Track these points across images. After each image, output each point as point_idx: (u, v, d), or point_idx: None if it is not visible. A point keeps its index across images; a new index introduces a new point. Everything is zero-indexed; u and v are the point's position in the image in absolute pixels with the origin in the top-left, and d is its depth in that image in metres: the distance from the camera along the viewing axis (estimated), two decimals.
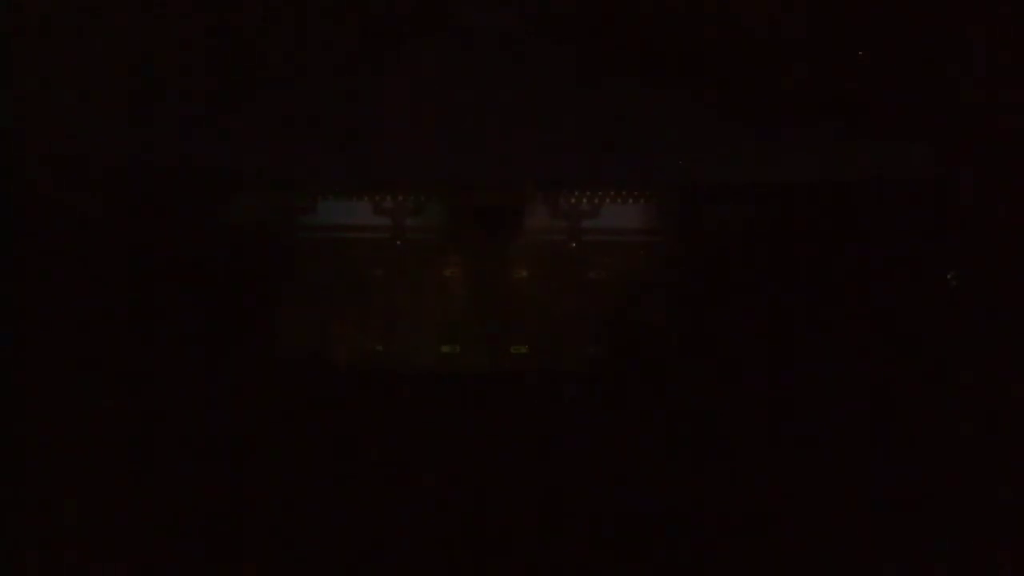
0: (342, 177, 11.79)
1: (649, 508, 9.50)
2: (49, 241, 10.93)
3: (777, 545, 8.99)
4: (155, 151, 11.05)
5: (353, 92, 11.95)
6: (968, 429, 10.12)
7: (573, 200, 12.28)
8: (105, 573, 8.69)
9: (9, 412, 9.97)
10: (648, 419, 10.55)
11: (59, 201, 10.94)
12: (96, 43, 11.40)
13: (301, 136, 11.40)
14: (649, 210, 12.26)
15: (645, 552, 9.01)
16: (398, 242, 12.64)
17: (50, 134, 10.80)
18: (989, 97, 11.19)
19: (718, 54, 12.23)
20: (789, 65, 12.04)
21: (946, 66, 11.46)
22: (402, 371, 11.96)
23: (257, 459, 10.02)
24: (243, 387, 10.76)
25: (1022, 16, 11.21)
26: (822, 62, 12.09)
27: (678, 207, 12.03)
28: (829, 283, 11.20)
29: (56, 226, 10.98)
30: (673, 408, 10.58)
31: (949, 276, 11.03)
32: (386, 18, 12.83)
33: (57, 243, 10.97)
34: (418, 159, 11.27)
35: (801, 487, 9.76)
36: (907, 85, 11.64)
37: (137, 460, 9.80)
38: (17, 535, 8.99)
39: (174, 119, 11.43)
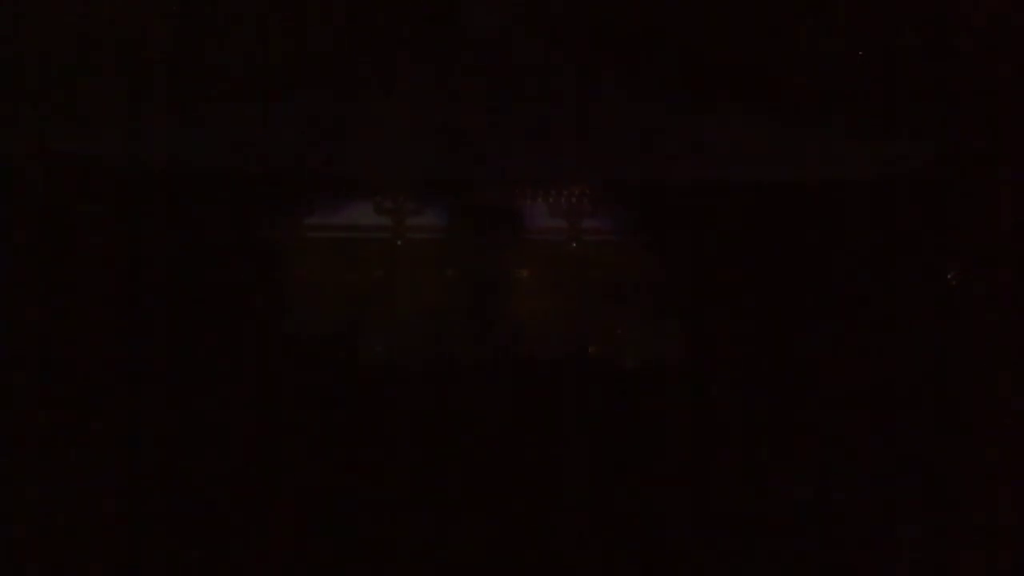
0: (342, 177, 11.83)
1: (637, 511, 9.55)
2: (50, 243, 10.95)
3: (777, 547, 9.02)
4: (154, 151, 11.08)
5: (353, 91, 11.96)
6: (969, 430, 10.15)
7: (573, 200, 12.32)
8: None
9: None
10: (645, 419, 10.59)
11: (58, 202, 10.96)
12: (90, 36, 11.39)
13: (300, 135, 11.42)
14: (647, 209, 12.28)
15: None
16: (398, 242, 12.70)
17: (48, 133, 10.82)
18: (989, 96, 11.17)
19: (715, 53, 12.20)
20: (787, 63, 12.02)
21: (945, 64, 11.44)
22: (401, 368, 12.00)
23: (259, 459, 10.07)
24: (244, 387, 10.79)
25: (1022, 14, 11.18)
26: (819, 60, 12.06)
27: (676, 206, 12.06)
28: (828, 284, 11.21)
29: (55, 227, 11.00)
30: (669, 408, 10.62)
31: (949, 276, 11.02)
32: (387, 17, 12.83)
33: (57, 244, 10.99)
34: (419, 159, 11.29)
35: (800, 490, 9.79)
36: (906, 83, 11.61)
37: (140, 457, 9.86)
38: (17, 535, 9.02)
39: (173, 119, 11.45)
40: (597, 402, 10.81)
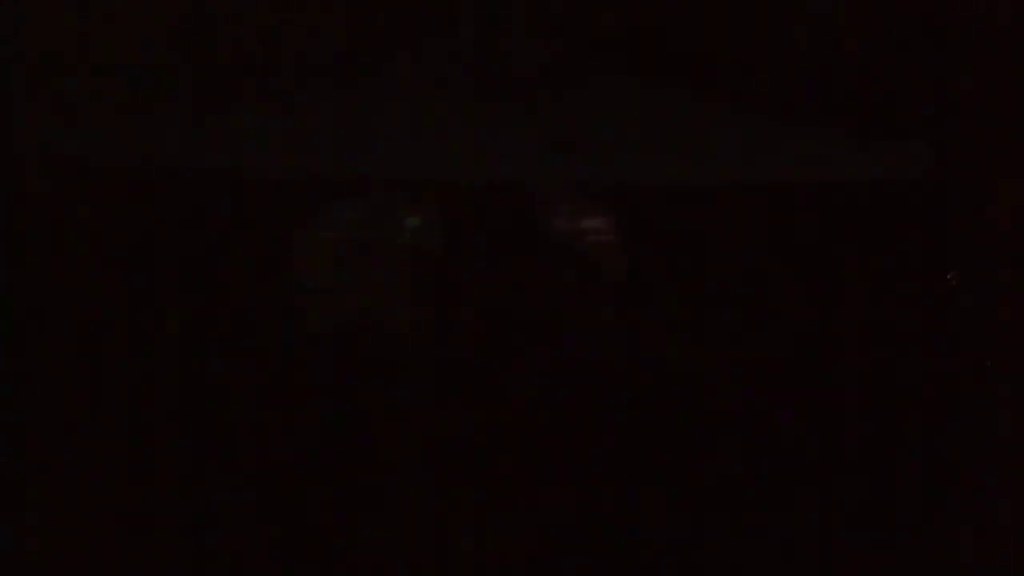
0: (342, 177, 11.80)
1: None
2: (54, 243, 10.97)
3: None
4: (153, 151, 11.05)
5: (353, 91, 11.91)
6: (969, 432, 10.19)
7: (572, 201, 12.31)
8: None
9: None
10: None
11: (60, 203, 10.98)
12: (91, 36, 11.39)
13: (300, 135, 11.40)
14: (645, 210, 12.27)
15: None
16: (398, 241, 12.67)
17: (48, 133, 10.82)
18: (989, 95, 11.20)
19: (714, 52, 12.22)
20: (785, 63, 12.04)
21: (945, 63, 11.46)
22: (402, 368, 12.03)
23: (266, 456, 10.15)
24: (245, 386, 10.83)
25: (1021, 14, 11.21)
26: (818, 58, 12.08)
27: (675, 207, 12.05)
28: (827, 286, 11.23)
29: (60, 228, 11.02)
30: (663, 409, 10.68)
31: (949, 276, 11.05)
32: (385, 16, 12.82)
33: (62, 245, 11.02)
34: (418, 158, 11.26)
35: (790, 492, 9.84)
36: (906, 83, 11.63)
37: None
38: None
39: (172, 118, 11.42)
40: (593, 403, 10.88)
